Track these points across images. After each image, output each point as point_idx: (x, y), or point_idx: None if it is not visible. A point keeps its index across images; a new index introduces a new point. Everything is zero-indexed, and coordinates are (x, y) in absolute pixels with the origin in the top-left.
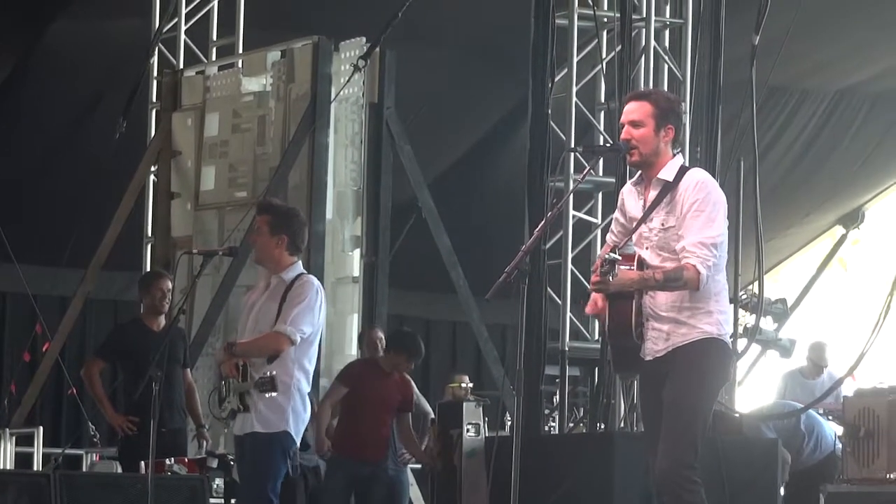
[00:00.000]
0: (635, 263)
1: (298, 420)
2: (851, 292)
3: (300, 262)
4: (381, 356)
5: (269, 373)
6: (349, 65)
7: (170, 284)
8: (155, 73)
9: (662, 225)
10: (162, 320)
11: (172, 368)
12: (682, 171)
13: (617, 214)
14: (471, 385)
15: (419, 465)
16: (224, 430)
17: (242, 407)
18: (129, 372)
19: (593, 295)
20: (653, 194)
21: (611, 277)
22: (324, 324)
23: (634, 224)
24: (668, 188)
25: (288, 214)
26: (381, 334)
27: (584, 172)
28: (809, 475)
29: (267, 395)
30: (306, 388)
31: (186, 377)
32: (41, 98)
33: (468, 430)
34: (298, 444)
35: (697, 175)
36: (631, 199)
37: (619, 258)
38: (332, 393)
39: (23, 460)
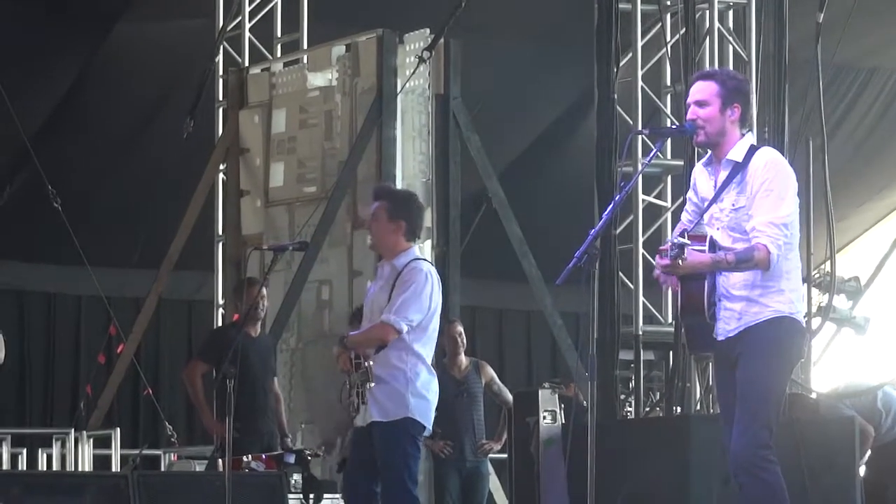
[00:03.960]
0: (707, 244)
1: (422, 403)
2: None
3: (414, 248)
4: None
5: (366, 363)
6: (414, 57)
7: (262, 291)
8: (220, 72)
9: (733, 205)
10: (258, 326)
11: (266, 377)
12: (752, 150)
13: (690, 195)
14: None
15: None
16: (301, 425)
17: (362, 399)
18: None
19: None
20: (723, 175)
21: (680, 261)
22: (439, 308)
23: (706, 205)
24: (738, 168)
25: (407, 200)
26: (460, 328)
27: (651, 154)
28: (888, 451)
29: (368, 386)
30: (425, 371)
31: (273, 386)
32: (108, 101)
33: (544, 418)
34: (430, 427)
35: (767, 154)
36: (702, 178)
37: (688, 242)
38: None
39: (101, 462)
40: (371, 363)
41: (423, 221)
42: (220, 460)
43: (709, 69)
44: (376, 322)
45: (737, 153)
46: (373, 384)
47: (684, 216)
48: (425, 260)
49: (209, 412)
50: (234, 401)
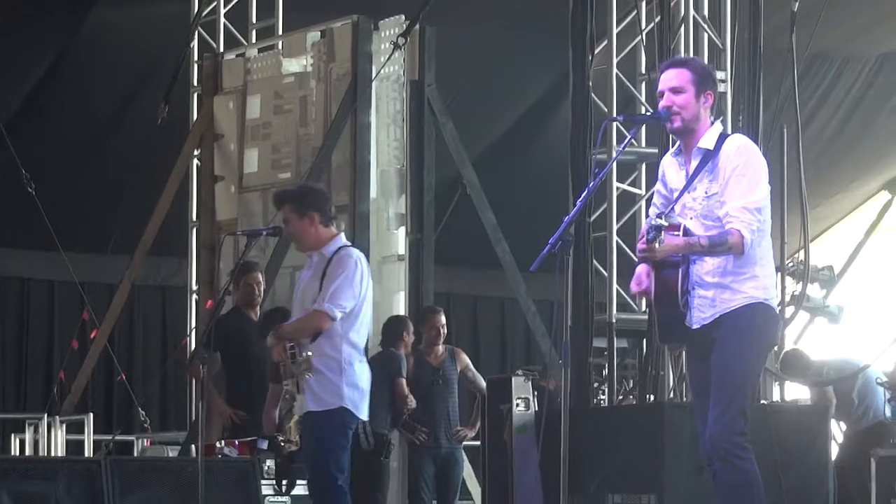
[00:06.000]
0: (680, 233)
1: (356, 393)
2: None
3: (342, 235)
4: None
5: (304, 354)
6: (389, 43)
7: (259, 277)
8: (195, 58)
9: (706, 193)
10: (258, 310)
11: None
12: (723, 138)
13: (658, 186)
14: None
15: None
16: None
17: (297, 388)
18: (232, 360)
19: (637, 272)
20: (694, 163)
21: (657, 244)
22: (370, 294)
23: (677, 194)
24: (710, 156)
25: (306, 192)
26: (443, 319)
27: (625, 142)
28: (860, 439)
29: (306, 377)
30: (359, 360)
31: None
32: (83, 86)
33: (517, 405)
34: (364, 417)
35: (738, 140)
36: (672, 169)
37: (666, 224)
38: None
39: (74, 447)
40: (310, 353)
41: (331, 203)
42: (192, 446)
43: (679, 57)
44: (309, 311)
45: (708, 141)
46: (310, 376)
47: (652, 210)
48: (353, 247)
49: (217, 397)
50: (238, 385)
